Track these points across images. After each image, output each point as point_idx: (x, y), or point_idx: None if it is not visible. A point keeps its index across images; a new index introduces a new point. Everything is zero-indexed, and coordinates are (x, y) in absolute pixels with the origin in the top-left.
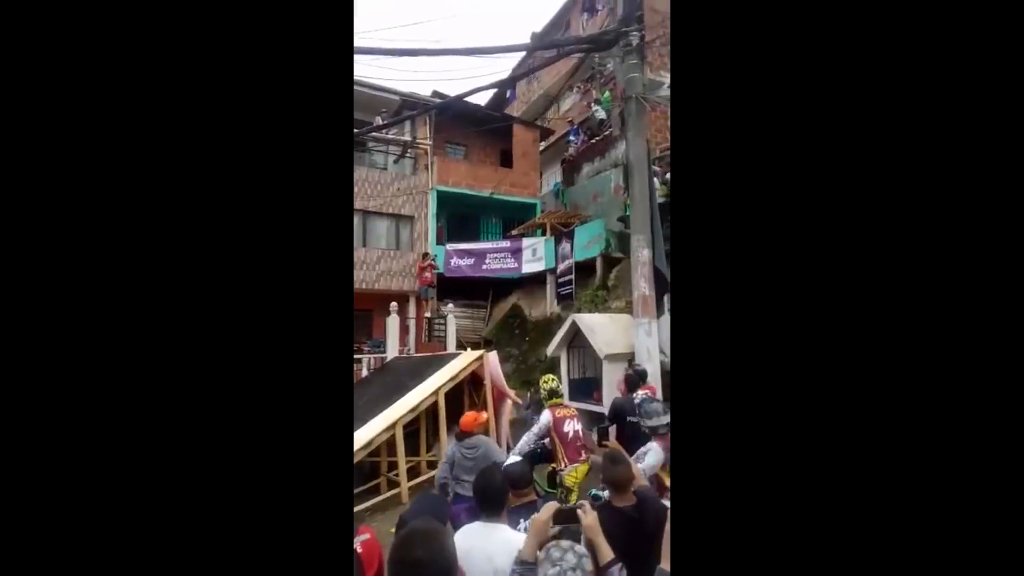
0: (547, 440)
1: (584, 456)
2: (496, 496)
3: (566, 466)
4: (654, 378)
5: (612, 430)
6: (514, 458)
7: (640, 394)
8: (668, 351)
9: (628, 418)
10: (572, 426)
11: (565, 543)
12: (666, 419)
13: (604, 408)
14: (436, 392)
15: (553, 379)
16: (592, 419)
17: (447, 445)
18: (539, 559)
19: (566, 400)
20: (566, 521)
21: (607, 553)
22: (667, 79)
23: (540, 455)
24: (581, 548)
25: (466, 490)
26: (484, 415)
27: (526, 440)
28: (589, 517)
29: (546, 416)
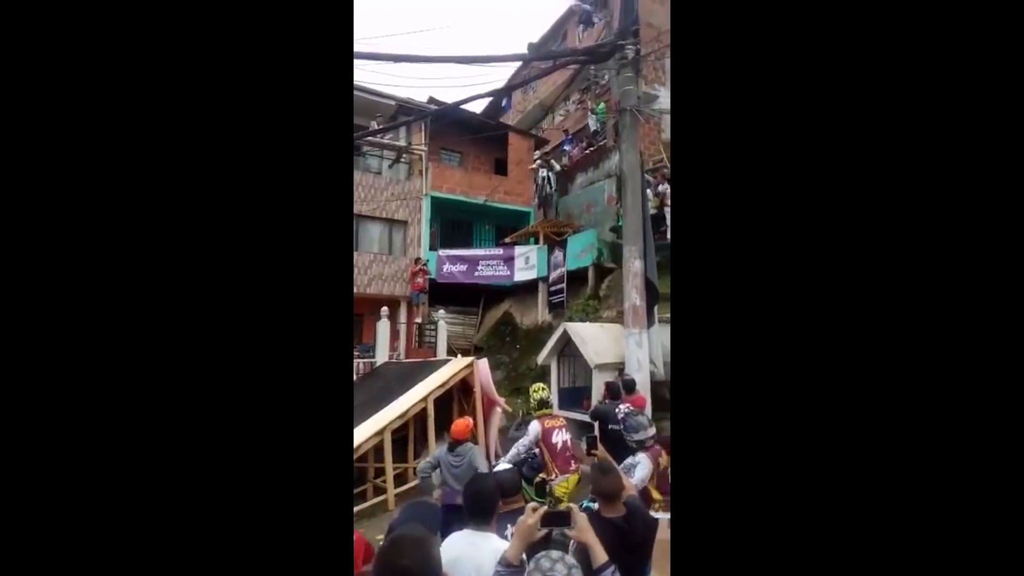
0: (537, 449)
1: (574, 466)
2: (486, 504)
3: (556, 476)
4: (643, 388)
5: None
6: (504, 465)
7: (623, 407)
8: (658, 362)
9: (610, 426)
10: (561, 436)
11: (555, 553)
12: (651, 431)
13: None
14: (425, 399)
15: (543, 388)
16: (581, 428)
17: (436, 450)
18: (527, 568)
19: (556, 409)
20: (554, 524)
21: (601, 556)
22: (661, 92)
23: (531, 464)
24: (571, 559)
25: (449, 493)
26: (470, 420)
27: (515, 452)
28: (581, 520)
29: (534, 427)
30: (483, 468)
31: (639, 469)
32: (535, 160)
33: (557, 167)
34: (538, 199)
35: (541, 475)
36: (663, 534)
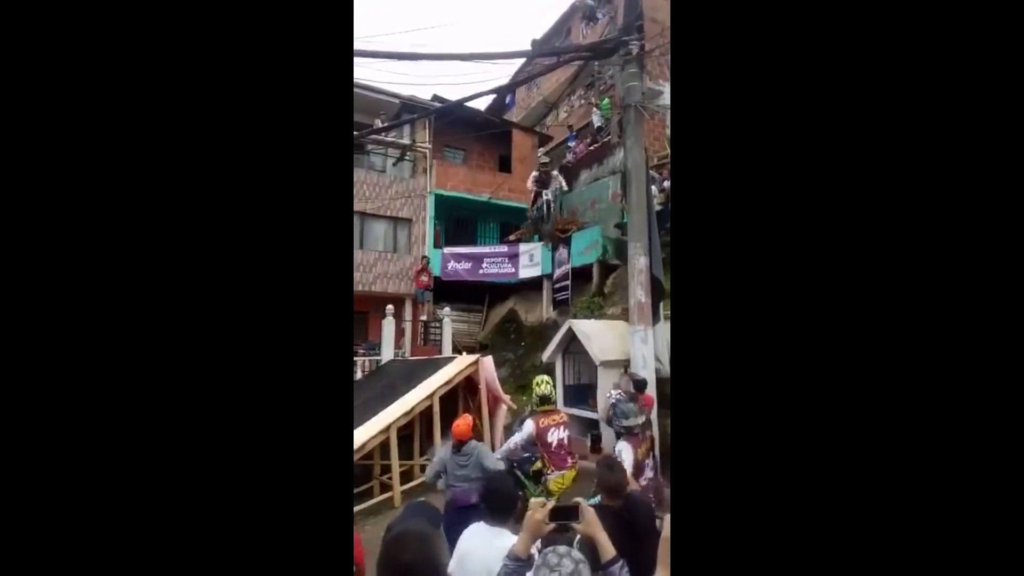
0: (537, 448)
1: (570, 463)
2: (506, 502)
3: (552, 472)
4: (648, 385)
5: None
6: (498, 465)
7: (614, 394)
8: (663, 358)
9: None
10: (557, 435)
11: (562, 548)
12: (640, 419)
13: (599, 414)
14: (431, 396)
15: (547, 383)
16: (586, 426)
17: (440, 449)
18: (535, 563)
19: (560, 406)
20: (562, 519)
21: (609, 550)
22: (665, 88)
23: (529, 458)
24: (578, 554)
25: (455, 490)
26: (470, 417)
27: (507, 448)
28: (589, 514)
29: (528, 426)
30: (492, 465)
31: (625, 454)
32: (535, 171)
33: (563, 184)
34: (533, 223)
35: (537, 464)
36: (664, 531)
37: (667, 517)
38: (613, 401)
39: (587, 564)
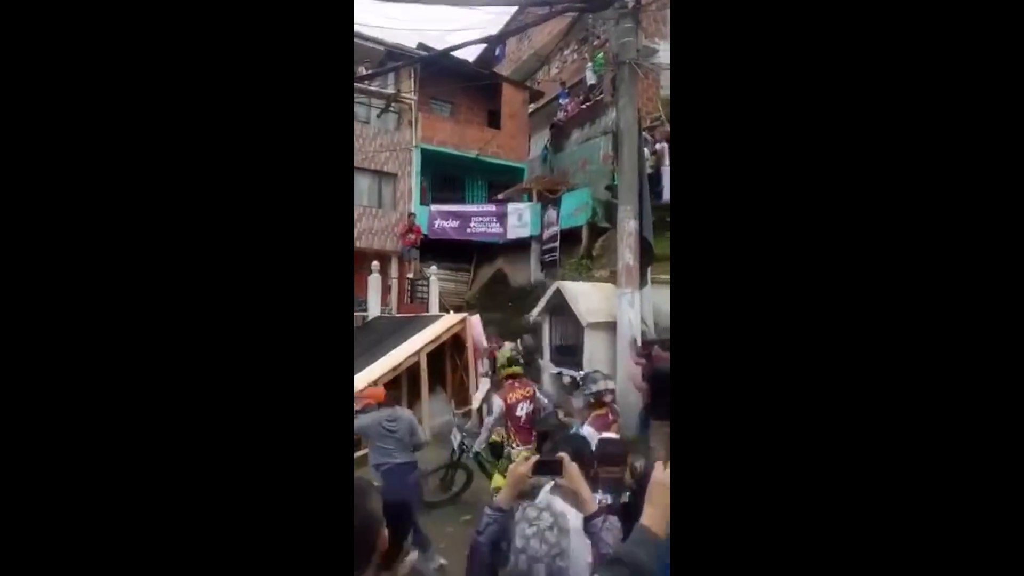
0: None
1: (534, 436)
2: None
3: (517, 446)
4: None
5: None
6: (481, 446)
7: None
8: (649, 321)
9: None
10: (525, 409)
11: (541, 502)
12: (610, 384)
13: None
14: (418, 352)
15: (512, 348)
16: (571, 384)
17: (364, 417)
18: (515, 516)
19: (546, 361)
20: (545, 473)
21: (591, 505)
22: (661, 47)
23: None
24: (558, 507)
25: (386, 456)
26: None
27: (485, 435)
28: (572, 469)
29: (497, 404)
30: (422, 436)
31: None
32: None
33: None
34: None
35: (494, 437)
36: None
37: (661, 463)
38: (584, 374)
39: (566, 518)
